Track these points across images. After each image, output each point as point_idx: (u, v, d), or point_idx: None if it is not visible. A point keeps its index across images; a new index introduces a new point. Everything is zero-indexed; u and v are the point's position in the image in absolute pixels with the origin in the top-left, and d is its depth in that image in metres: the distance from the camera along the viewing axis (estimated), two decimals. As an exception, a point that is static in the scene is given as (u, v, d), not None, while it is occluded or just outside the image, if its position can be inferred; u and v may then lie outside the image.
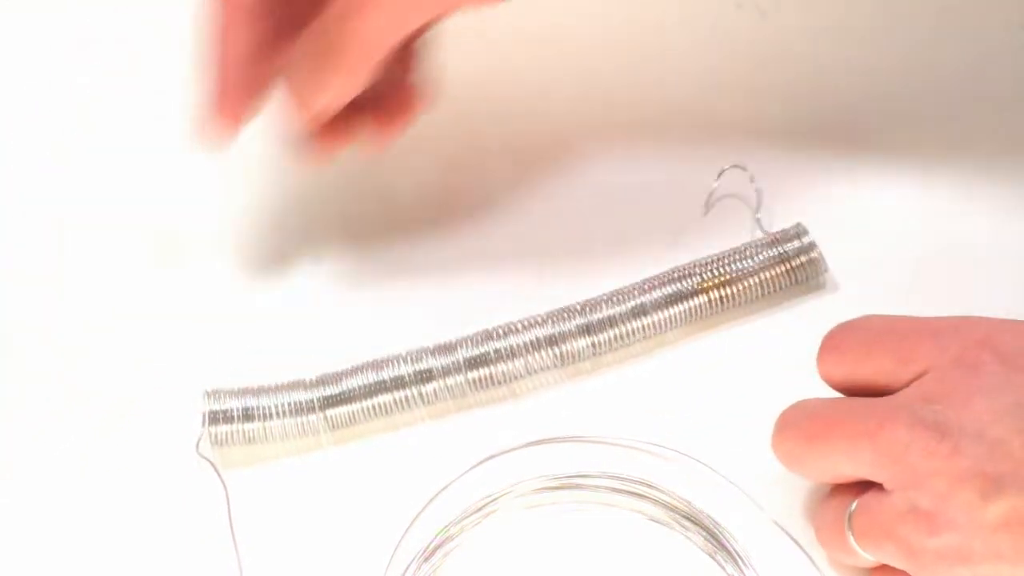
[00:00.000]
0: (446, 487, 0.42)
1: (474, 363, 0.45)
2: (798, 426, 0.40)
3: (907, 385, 0.38)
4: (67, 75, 0.56)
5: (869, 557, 0.39)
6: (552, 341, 0.45)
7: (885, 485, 0.38)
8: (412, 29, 0.41)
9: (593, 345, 0.45)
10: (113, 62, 0.56)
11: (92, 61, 0.56)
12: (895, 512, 0.37)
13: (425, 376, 0.44)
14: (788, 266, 0.47)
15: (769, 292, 0.47)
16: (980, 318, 0.40)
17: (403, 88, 0.46)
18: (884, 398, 0.40)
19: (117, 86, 0.56)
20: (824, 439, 0.39)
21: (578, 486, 0.42)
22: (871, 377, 0.40)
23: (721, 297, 0.46)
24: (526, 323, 0.45)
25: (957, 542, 0.36)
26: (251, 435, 0.43)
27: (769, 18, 0.57)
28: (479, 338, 0.45)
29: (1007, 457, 0.35)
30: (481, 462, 0.43)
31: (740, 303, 0.47)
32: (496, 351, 0.45)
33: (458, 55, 0.54)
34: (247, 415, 0.43)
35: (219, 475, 0.43)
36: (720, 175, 0.50)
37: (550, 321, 0.45)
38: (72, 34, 0.58)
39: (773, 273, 0.46)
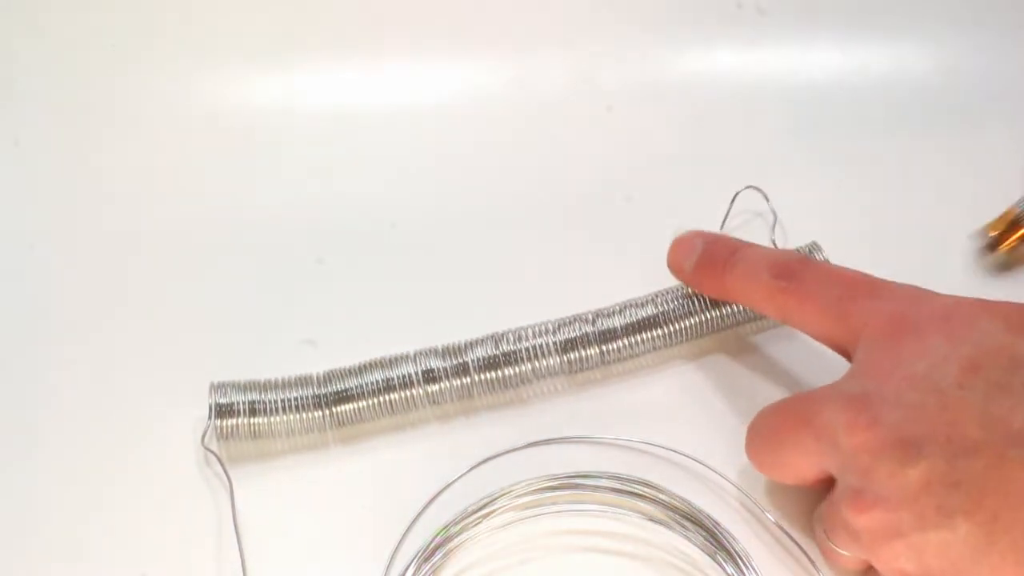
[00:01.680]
0: (447, 487, 0.43)
1: (482, 366, 0.45)
2: (758, 432, 0.41)
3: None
4: (79, 74, 0.56)
5: (846, 553, 0.39)
6: (562, 348, 0.45)
7: (834, 474, 0.38)
8: None
9: (602, 354, 0.45)
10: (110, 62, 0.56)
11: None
12: (840, 498, 0.38)
13: (432, 376, 0.44)
14: None
15: None
16: (897, 289, 0.40)
17: None
18: (828, 384, 0.40)
19: (126, 86, 0.56)
20: (777, 439, 0.40)
21: (578, 486, 0.42)
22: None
23: (733, 312, 0.46)
24: (537, 330, 0.45)
25: (885, 517, 0.36)
26: (257, 429, 0.43)
27: (768, 16, 0.57)
28: (489, 342, 0.45)
29: (923, 420, 0.35)
30: (481, 462, 0.43)
31: (752, 317, 0.47)
32: (505, 355, 0.45)
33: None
34: (253, 409, 0.43)
35: (224, 468, 0.43)
36: (736, 196, 0.50)
37: (560, 329, 0.45)
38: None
39: None
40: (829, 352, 0.41)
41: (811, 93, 0.54)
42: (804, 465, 0.39)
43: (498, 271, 0.49)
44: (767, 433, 0.41)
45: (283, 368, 0.45)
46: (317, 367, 0.45)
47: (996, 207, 0.49)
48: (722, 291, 0.44)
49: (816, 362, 0.45)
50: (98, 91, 0.55)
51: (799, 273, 0.41)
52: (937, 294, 0.39)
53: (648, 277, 0.47)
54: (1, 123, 0.54)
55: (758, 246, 0.44)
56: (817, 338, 0.41)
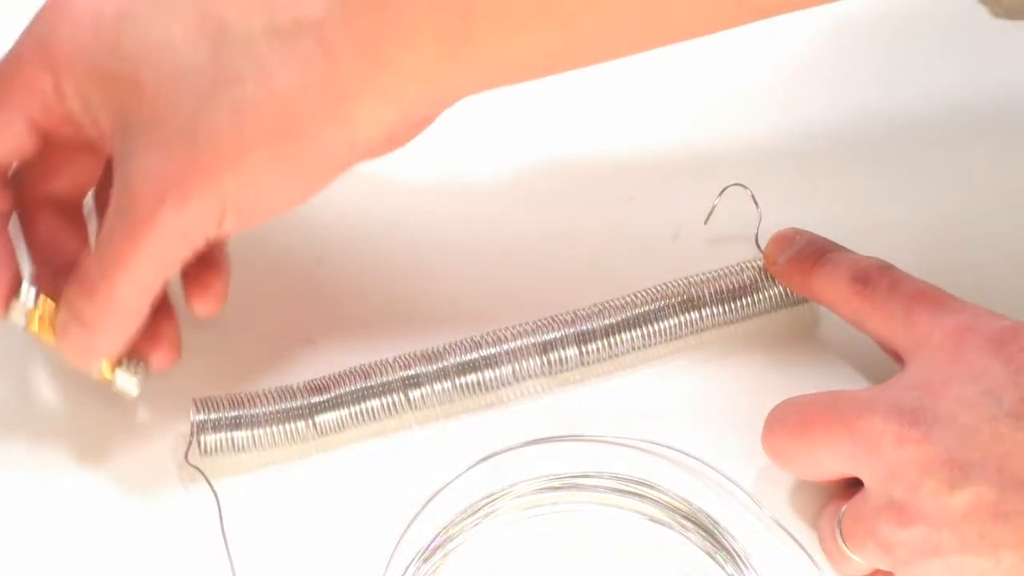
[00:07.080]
0: (445, 487, 0.42)
1: (462, 369, 0.44)
2: (784, 422, 0.41)
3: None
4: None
5: (860, 561, 0.39)
6: (541, 349, 0.45)
7: (865, 481, 0.38)
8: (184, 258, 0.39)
9: (581, 354, 0.45)
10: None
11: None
12: (874, 507, 0.38)
13: (413, 382, 0.44)
14: (783, 288, 0.46)
15: (765, 310, 0.47)
16: (961, 306, 0.40)
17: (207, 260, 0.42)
18: (870, 388, 0.40)
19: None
20: (807, 433, 0.40)
21: (578, 486, 0.42)
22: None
23: (714, 313, 0.46)
24: (515, 331, 0.45)
25: (927, 534, 0.36)
26: (241, 443, 0.43)
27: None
28: (468, 345, 0.45)
29: (976, 445, 0.35)
30: (480, 461, 0.43)
31: (734, 320, 0.47)
32: (484, 358, 0.45)
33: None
34: (236, 423, 0.43)
35: (210, 484, 0.43)
36: (722, 193, 0.50)
37: (539, 330, 0.45)
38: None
39: (769, 293, 0.46)
40: (816, 356, 0.42)
41: (812, 94, 0.54)
42: (830, 465, 0.39)
43: (498, 271, 0.49)
44: (796, 426, 0.40)
45: (283, 368, 0.45)
46: (317, 367, 0.45)
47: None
48: (807, 288, 0.45)
49: (802, 363, 0.46)
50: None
51: (876, 280, 0.42)
52: (1000, 316, 0.39)
53: (648, 277, 0.47)
54: (1, 123, 0.54)
55: (849, 251, 0.45)
56: (881, 344, 0.42)
